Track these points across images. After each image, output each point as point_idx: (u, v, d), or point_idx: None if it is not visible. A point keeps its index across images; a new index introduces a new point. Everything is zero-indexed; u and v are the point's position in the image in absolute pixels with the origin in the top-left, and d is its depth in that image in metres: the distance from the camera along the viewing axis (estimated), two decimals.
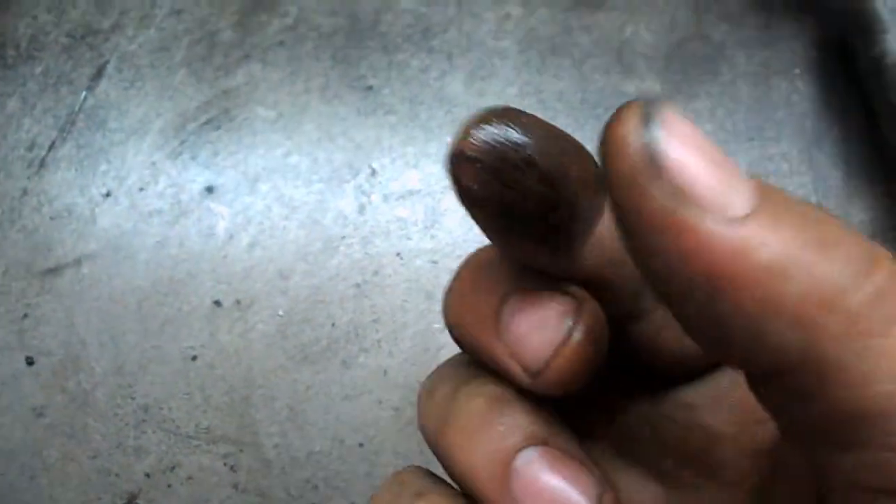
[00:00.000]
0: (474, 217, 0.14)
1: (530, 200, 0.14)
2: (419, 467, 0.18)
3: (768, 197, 0.12)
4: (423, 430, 0.18)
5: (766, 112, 0.38)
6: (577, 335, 0.15)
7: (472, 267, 0.17)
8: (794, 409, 0.12)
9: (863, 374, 0.11)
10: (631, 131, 0.12)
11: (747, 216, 0.11)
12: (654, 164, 0.11)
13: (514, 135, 0.13)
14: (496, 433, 0.16)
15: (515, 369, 0.16)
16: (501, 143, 0.13)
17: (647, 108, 0.12)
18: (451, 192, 0.38)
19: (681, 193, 0.11)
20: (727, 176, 0.12)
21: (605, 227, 0.15)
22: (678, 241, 0.11)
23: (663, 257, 0.12)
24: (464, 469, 0.16)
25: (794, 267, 0.11)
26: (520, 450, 0.15)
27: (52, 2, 0.39)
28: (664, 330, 0.17)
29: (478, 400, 0.16)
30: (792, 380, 0.12)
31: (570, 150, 0.14)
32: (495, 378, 0.17)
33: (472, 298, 0.17)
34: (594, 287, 0.16)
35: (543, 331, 0.15)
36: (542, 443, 0.15)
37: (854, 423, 0.11)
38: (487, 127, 0.13)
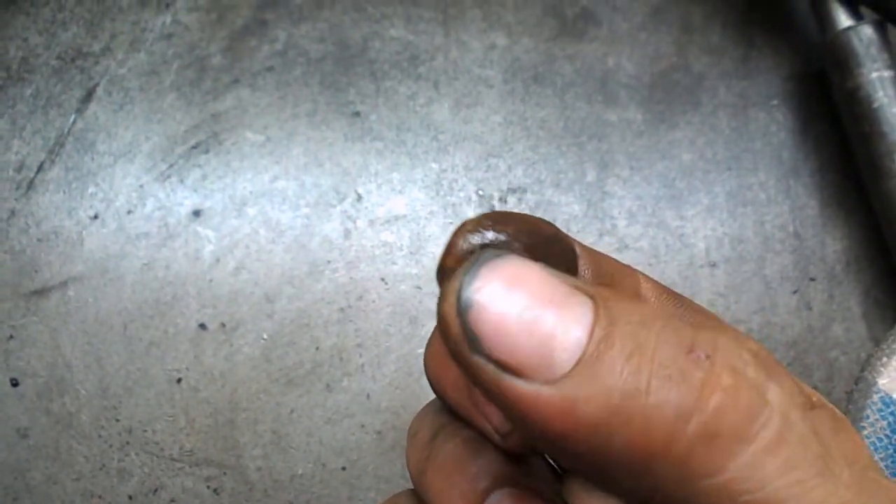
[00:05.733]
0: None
1: None
2: (413, 491, 0.19)
3: (598, 339, 0.12)
4: (408, 469, 0.19)
5: (745, 142, 0.39)
6: None
7: None
8: None
9: None
10: (451, 308, 0.12)
11: (569, 373, 0.12)
12: (472, 340, 0.12)
13: (498, 240, 0.14)
14: (469, 475, 0.16)
15: (488, 429, 0.16)
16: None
17: (465, 278, 0.12)
18: (436, 217, 0.39)
19: (502, 364, 0.12)
20: (551, 328, 0.12)
21: None
22: (509, 406, 0.12)
23: (506, 415, 0.12)
24: None
25: (617, 420, 0.11)
26: (490, 491, 0.16)
27: (43, 24, 0.40)
28: None
29: (454, 442, 0.17)
30: None
31: (554, 247, 0.14)
32: None
33: (446, 359, 0.17)
34: None
35: None
36: (513, 484, 0.16)
37: None
38: (470, 237, 0.14)
